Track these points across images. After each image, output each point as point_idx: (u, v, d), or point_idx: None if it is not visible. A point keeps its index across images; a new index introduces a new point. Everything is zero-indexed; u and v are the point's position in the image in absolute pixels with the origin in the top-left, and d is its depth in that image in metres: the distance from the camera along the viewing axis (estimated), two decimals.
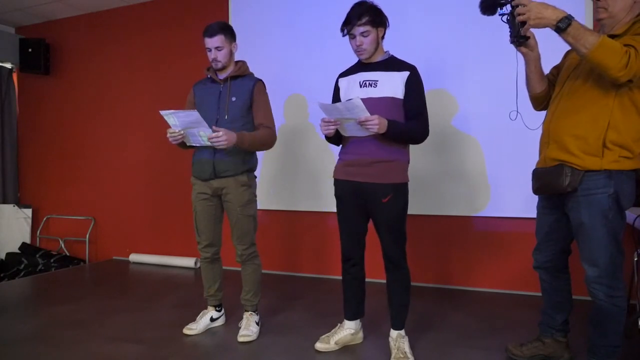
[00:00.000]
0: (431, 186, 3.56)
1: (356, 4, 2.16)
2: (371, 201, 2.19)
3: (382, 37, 2.22)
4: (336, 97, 2.35)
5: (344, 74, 2.34)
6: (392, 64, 2.20)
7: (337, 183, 2.31)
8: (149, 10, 4.73)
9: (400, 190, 2.20)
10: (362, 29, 2.11)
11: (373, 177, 2.16)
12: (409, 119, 2.16)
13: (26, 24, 5.35)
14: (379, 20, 2.14)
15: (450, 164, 3.52)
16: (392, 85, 2.15)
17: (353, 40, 2.17)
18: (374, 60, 2.22)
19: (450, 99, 3.51)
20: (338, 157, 2.33)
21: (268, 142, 2.55)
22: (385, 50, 2.26)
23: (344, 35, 2.19)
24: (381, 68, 2.19)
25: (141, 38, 4.77)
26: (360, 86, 2.20)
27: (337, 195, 2.32)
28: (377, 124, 2.01)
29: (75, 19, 5.10)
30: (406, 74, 2.16)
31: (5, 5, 4.77)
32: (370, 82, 2.18)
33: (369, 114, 2.01)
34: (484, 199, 3.45)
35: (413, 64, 2.22)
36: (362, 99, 2.02)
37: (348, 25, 2.14)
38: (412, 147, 2.28)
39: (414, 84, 2.16)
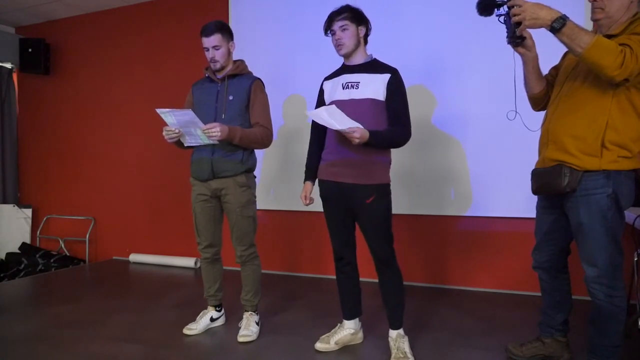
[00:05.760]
0: (432, 186, 3.56)
1: (338, 7, 2.24)
2: (355, 202, 2.20)
3: (365, 39, 2.26)
4: (320, 100, 2.39)
5: (329, 77, 2.37)
6: (374, 66, 2.23)
7: (322, 183, 2.32)
8: (149, 10, 4.73)
9: (383, 191, 2.21)
10: (340, 23, 2.18)
11: (356, 178, 2.17)
12: (391, 121, 2.18)
13: (26, 24, 5.35)
14: (358, 17, 2.20)
15: (449, 164, 3.52)
16: (373, 87, 2.17)
17: (333, 37, 2.22)
18: (357, 63, 2.26)
19: (447, 99, 3.50)
20: (322, 158, 2.34)
21: (262, 141, 2.51)
22: (368, 53, 2.29)
23: (326, 35, 2.25)
24: (363, 70, 2.22)
25: (141, 38, 4.77)
26: (343, 88, 2.23)
27: (323, 196, 2.33)
28: (358, 137, 2.01)
29: (75, 19, 5.11)
30: (387, 76, 2.18)
31: (5, 5, 4.77)
32: (353, 83, 2.21)
33: (351, 124, 2.02)
34: (484, 198, 3.45)
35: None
36: (345, 100, 2.10)
37: (328, 22, 2.21)
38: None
39: (395, 87, 2.18)
